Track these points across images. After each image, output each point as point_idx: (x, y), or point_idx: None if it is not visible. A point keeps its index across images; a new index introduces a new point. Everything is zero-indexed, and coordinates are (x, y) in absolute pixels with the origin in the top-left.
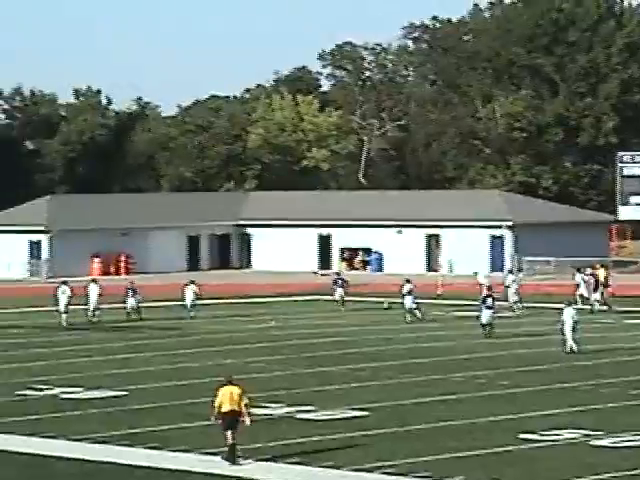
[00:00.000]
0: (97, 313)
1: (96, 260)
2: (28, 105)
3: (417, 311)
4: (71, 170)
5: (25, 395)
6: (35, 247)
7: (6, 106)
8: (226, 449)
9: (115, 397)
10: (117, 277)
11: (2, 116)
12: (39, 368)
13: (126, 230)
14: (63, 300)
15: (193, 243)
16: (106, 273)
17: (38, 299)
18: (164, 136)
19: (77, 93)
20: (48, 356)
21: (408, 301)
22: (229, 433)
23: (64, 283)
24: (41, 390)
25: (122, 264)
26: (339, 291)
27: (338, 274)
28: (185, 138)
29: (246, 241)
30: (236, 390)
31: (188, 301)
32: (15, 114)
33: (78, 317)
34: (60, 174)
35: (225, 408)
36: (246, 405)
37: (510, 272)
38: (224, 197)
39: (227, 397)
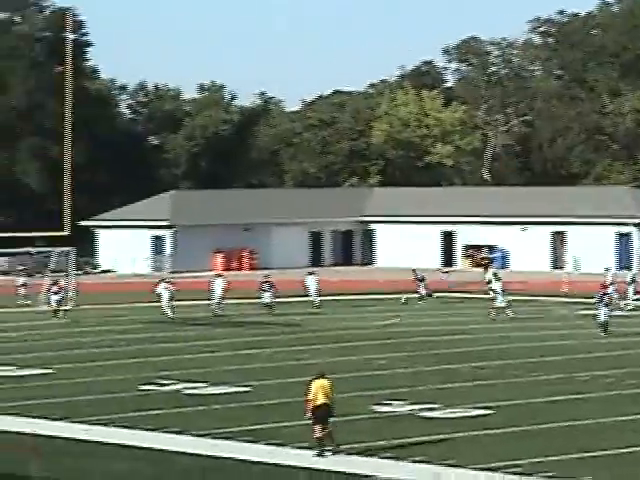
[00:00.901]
0: (221, 307)
1: (219, 255)
2: (152, 100)
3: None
4: (194, 165)
5: (149, 390)
6: (158, 242)
7: (130, 101)
8: (316, 444)
9: (238, 393)
10: (240, 272)
11: (126, 111)
12: (163, 363)
13: (249, 226)
14: (166, 295)
15: (316, 239)
16: (229, 268)
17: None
18: (288, 131)
19: (201, 88)
20: (172, 351)
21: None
22: (318, 427)
23: (163, 280)
24: (165, 385)
25: (245, 259)
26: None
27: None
28: (309, 133)
29: (369, 237)
30: (327, 383)
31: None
32: (139, 109)
33: (201, 311)
34: (183, 169)
35: (319, 401)
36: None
37: (626, 269)
38: (347, 193)
39: (320, 390)
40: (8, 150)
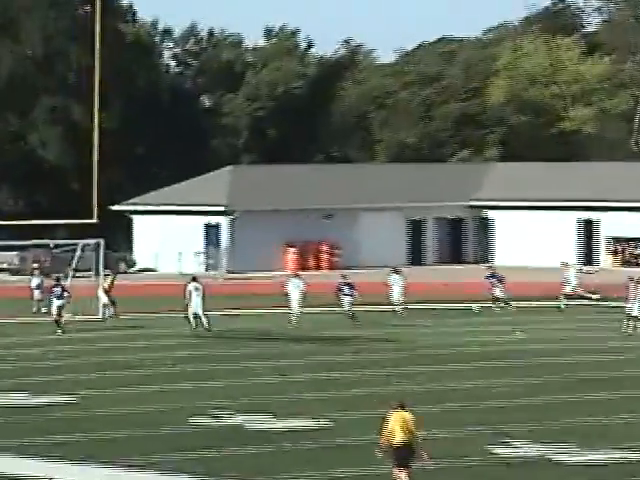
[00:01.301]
0: (297, 316)
1: (291, 250)
2: (205, 49)
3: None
4: (259, 133)
5: (200, 424)
6: (212, 232)
7: (177, 50)
8: None
9: (314, 429)
10: (317, 272)
11: (172, 63)
12: (218, 389)
13: (330, 212)
14: (197, 298)
15: (416, 229)
16: (303, 267)
17: (217, 300)
18: (380, 90)
19: (268, 34)
20: (230, 374)
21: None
22: (398, 471)
23: (195, 280)
24: (221, 418)
25: (324, 255)
26: None
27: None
28: (407, 93)
29: (485, 227)
30: (409, 417)
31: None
32: (188, 61)
33: (266, 322)
34: (245, 138)
35: (397, 440)
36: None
37: None
38: (457, 170)
39: (399, 426)
40: (21, 113)
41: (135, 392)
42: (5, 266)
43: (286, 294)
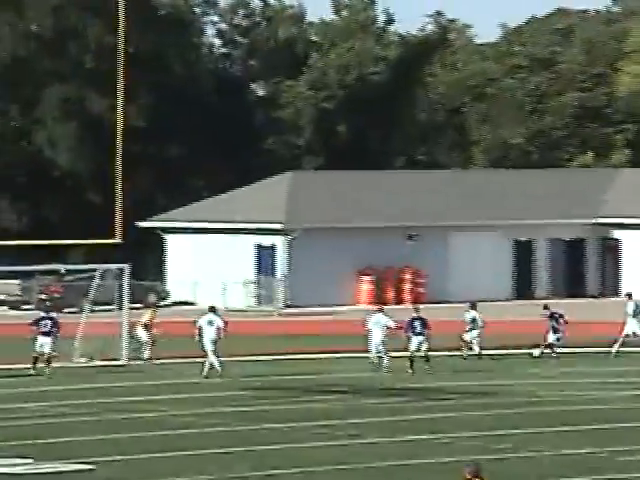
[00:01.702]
0: (382, 359)
1: (365, 279)
2: (258, 24)
3: None
4: (326, 131)
5: None
6: (266, 256)
7: (223, 25)
8: None
9: None
10: (398, 307)
11: (216, 42)
12: (274, 455)
13: (414, 231)
14: (210, 334)
15: (523, 252)
16: (380, 300)
17: (271, 341)
18: (478, 77)
19: (338, 5)
20: (286, 436)
21: None
22: None
23: (212, 310)
24: None
25: (406, 286)
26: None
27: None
28: (512, 80)
29: (612, 251)
30: None
31: None
32: (237, 39)
33: (339, 369)
34: (308, 137)
35: None
36: None
37: None
38: (576, 178)
39: None
40: (24, 105)
41: (164, 456)
42: (3, 298)
43: (366, 334)
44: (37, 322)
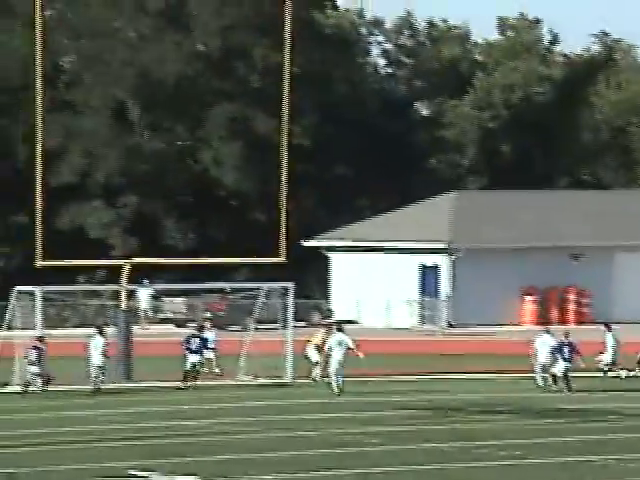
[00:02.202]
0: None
1: (529, 299)
2: (423, 44)
3: None
4: (490, 150)
5: None
6: (429, 276)
7: (388, 45)
8: None
9: None
10: (562, 327)
11: (380, 62)
12: (430, 474)
13: (579, 250)
14: (338, 355)
15: None
16: (544, 320)
17: (435, 361)
18: None
19: (502, 25)
20: (442, 456)
21: None
22: None
23: (339, 329)
24: None
25: (570, 306)
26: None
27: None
28: None
29: None
30: None
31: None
32: (401, 59)
33: (504, 389)
34: (472, 156)
35: None
36: None
37: None
38: None
39: None
40: (190, 124)
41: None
42: (170, 315)
43: (534, 354)
44: (187, 340)
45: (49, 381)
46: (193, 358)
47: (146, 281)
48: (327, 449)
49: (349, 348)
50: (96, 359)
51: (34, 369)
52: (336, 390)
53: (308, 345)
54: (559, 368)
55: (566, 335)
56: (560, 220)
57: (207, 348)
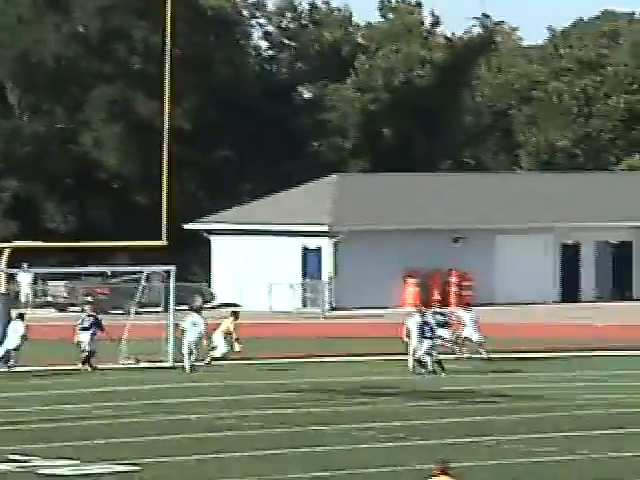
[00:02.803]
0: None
1: (411, 282)
2: (305, 27)
3: None
4: (372, 133)
5: None
6: (312, 259)
7: (270, 28)
8: None
9: None
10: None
11: (263, 44)
12: (317, 459)
13: (459, 233)
14: (190, 336)
15: (569, 257)
16: (426, 303)
17: (317, 344)
18: (525, 80)
19: (384, 8)
20: (328, 438)
21: None
22: None
23: (195, 310)
24: None
25: (452, 289)
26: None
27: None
28: (559, 83)
29: None
30: None
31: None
32: (284, 41)
33: (383, 371)
34: (354, 140)
35: None
36: None
37: None
38: (623, 181)
39: None
40: (70, 106)
41: (212, 457)
42: (50, 299)
43: (407, 335)
44: (82, 321)
45: None
46: (83, 336)
47: (25, 265)
48: (207, 433)
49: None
50: None
51: None
52: (188, 370)
53: (216, 331)
54: (423, 348)
55: (422, 315)
56: (442, 203)
57: (99, 328)
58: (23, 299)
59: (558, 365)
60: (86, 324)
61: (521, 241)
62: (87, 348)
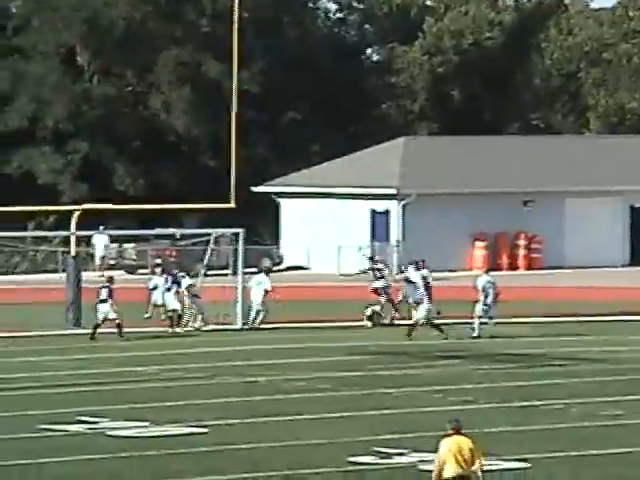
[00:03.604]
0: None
1: (479, 245)
2: None
3: None
4: (440, 96)
5: (362, 464)
6: (380, 222)
7: None
8: None
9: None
10: (513, 273)
11: (332, 7)
12: (383, 421)
13: (529, 196)
14: (256, 295)
15: (638, 220)
16: (494, 267)
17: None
18: (594, 42)
19: None
20: (399, 402)
21: None
22: None
23: (265, 272)
24: (387, 456)
25: (521, 252)
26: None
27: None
28: (628, 45)
29: None
30: (467, 444)
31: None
32: (353, 4)
33: (449, 335)
34: (422, 102)
35: (449, 472)
36: (481, 466)
37: None
38: None
39: (453, 454)
40: (139, 70)
41: (275, 420)
42: (119, 262)
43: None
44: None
45: None
46: (103, 307)
47: (101, 227)
48: (276, 395)
49: (267, 290)
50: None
51: None
52: (257, 324)
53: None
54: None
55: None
56: (510, 166)
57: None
58: (98, 262)
59: (626, 328)
60: (169, 284)
61: (590, 204)
62: (174, 307)
